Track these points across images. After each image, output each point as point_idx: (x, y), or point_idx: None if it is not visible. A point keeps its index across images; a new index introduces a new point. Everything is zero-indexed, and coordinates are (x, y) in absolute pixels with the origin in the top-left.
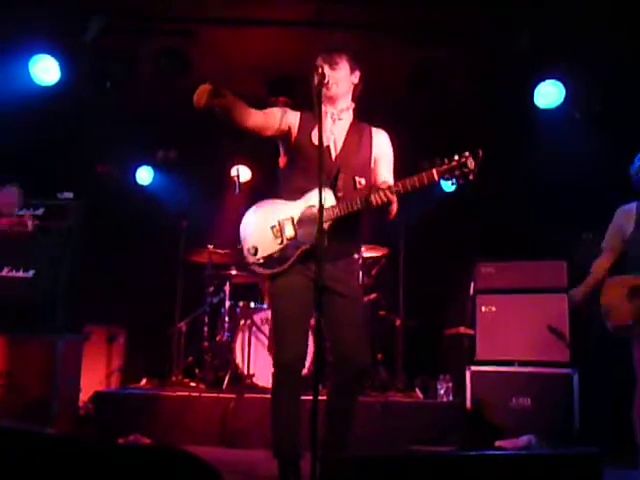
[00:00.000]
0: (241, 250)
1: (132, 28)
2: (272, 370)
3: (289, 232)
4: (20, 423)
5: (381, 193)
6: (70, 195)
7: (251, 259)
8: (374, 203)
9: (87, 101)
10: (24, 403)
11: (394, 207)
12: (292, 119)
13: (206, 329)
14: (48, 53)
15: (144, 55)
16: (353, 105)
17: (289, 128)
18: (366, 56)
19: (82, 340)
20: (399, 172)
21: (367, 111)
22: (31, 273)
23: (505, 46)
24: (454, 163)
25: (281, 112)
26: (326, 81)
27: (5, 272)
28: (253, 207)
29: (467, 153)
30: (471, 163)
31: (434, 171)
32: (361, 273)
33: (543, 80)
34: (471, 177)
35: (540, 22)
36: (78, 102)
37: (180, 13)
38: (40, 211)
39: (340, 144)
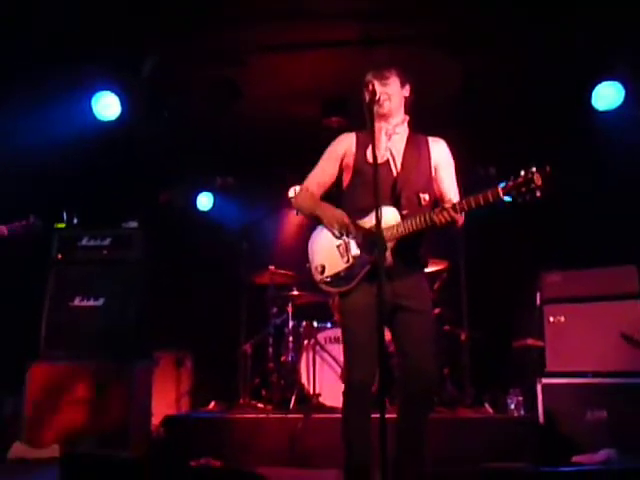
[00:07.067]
0: (309, 269)
1: (185, 60)
2: (341, 389)
3: (354, 251)
4: (99, 448)
5: (445, 213)
6: (135, 224)
7: (319, 277)
8: (438, 222)
9: (147, 133)
10: (103, 428)
11: (460, 221)
12: (347, 144)
13: (271, 350)
14: (109, 89)
15: (198, 85)
16: (407, 118)
17: (344, 155)
18: (415, 68)
19: (153, 365)
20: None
21: (421, 123)
22: (101, 301)
23: (560, 49)
24: (520, 180)
25: (337, 151)
26: (377, 97)
27: (77, 302)
28: (320, 226)
29: (534, 169)
30: (538, 179)
31: (499, 189)
32: None
33: (601, 82)
34: (538, 194)
35: (596, 23)
36: (138, 134)
37: (230, 43)
38: (107, 241)
39: (400, 159)
